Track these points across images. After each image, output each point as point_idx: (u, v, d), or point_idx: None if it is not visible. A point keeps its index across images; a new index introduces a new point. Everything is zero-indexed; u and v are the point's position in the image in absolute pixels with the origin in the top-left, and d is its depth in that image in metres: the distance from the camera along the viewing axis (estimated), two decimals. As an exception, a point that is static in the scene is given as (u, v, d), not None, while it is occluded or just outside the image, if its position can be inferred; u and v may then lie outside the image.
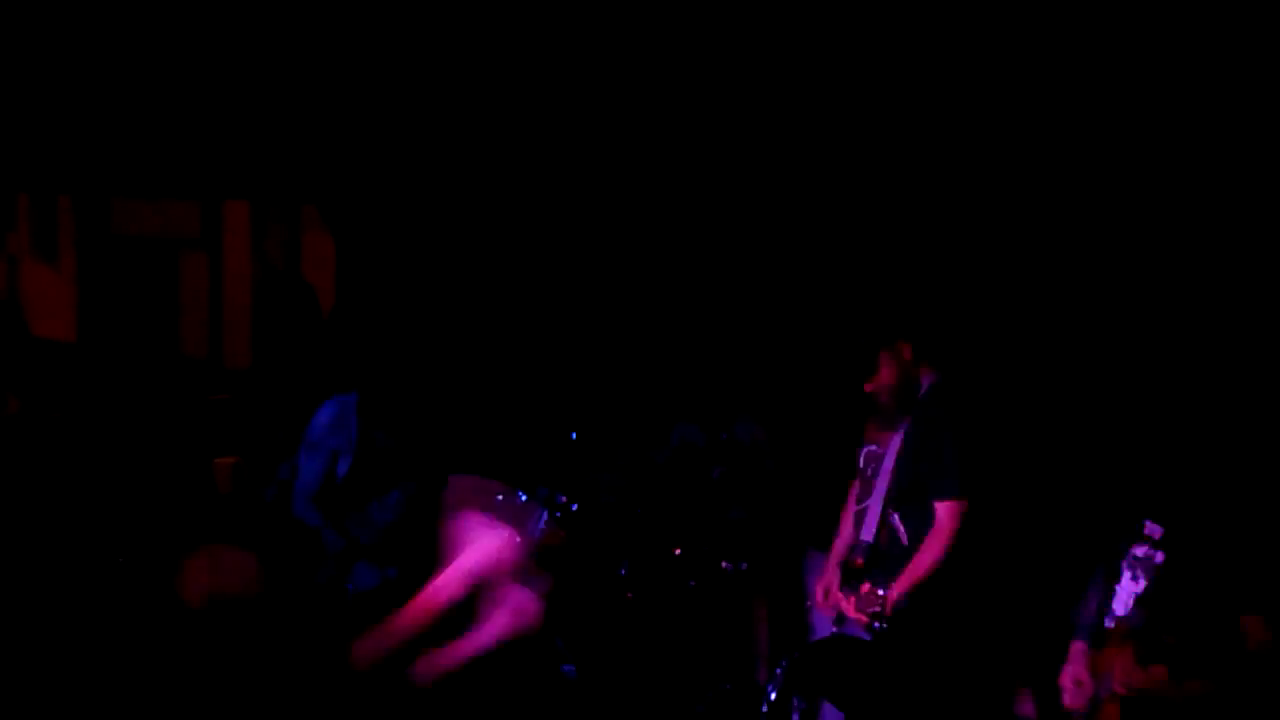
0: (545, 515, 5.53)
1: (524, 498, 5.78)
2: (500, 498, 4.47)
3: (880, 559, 4.45)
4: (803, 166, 6.31)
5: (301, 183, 7.77)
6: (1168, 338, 5.22)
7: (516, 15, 6.14)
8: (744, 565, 5.85)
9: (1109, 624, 3.78)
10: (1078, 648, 3.88)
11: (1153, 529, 3.74)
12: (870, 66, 5.83)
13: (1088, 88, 5.39)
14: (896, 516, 4.45)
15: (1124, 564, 3.77)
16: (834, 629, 4.49)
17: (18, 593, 6.38)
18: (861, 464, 4.62)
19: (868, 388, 4.48)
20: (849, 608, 4.39)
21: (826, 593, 4.53)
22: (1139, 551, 3.75)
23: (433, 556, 3.88)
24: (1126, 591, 3.76)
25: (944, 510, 4.32)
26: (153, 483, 7.07)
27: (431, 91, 6.65)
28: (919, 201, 6.01)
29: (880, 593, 4.29)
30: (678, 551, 5.91)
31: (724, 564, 5.85)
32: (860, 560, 4.47)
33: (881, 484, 4.48)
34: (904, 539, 4.42)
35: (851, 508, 4.64)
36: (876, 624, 4.32)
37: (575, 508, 5.91)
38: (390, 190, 7.46)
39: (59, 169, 7.37)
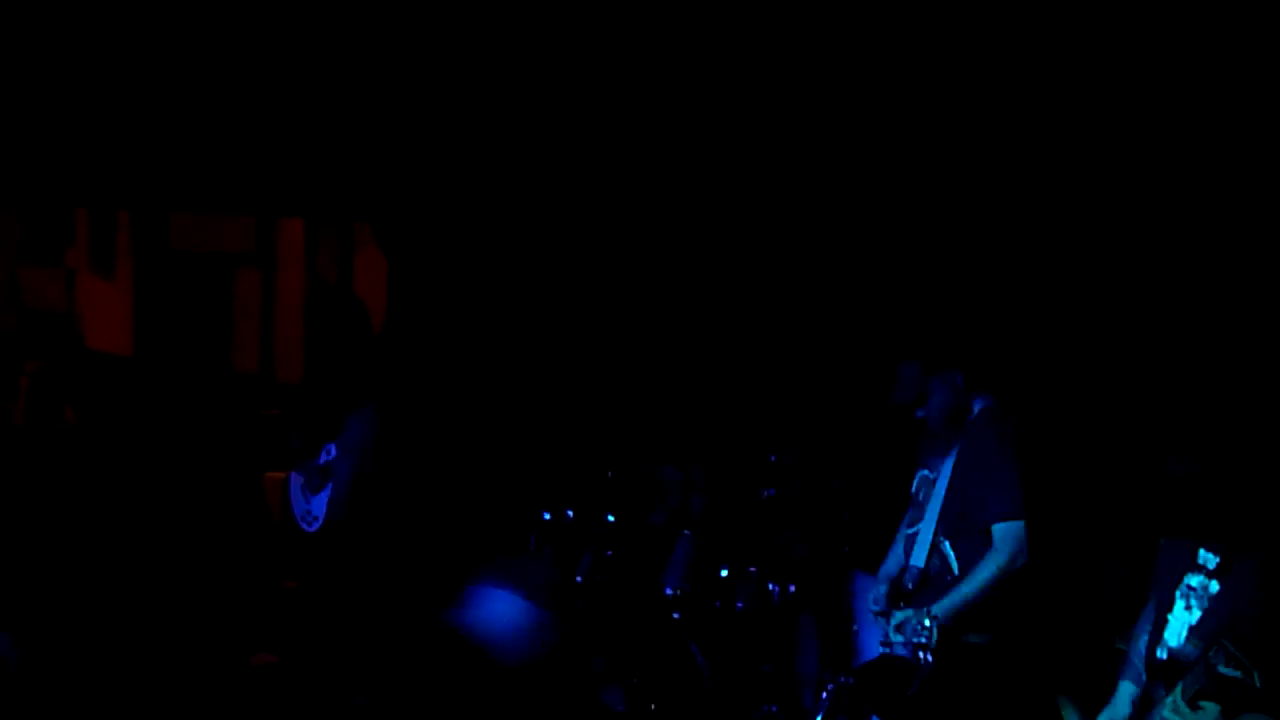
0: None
1: (570, 515, 5.79)
2: None
3: (930, 584, 4.41)
4: (857, 190, 6.30)
5: (355, 200, 7.83)
6: (1223, 361, 5.16)
7: (562, 38, 6.17)
8: (791, 588, 5.83)
9: (1162, 654, 3.72)
10: (1124, 689, 3.82)
11: (1207, 558, 3.69)
12: (920, 89, 5.81)
13: (1136, 113, 5.36)
14: (948, 544, 4.42)
15: (1178, 593, 3.72)
16: (882, 650, 4.45)
17: (72, 599, 6.45)
18: (914, 488, 4.60)
19: (919, 414, 4.47)
20: (895, 635, 4.36)
21: (876, 600, 4.50)
22: (1193, 581, 3.70)
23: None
24: (1180, 622, 3.70)
25: (1001, 532, 4.28)
26: (203, 495, 7.13)
27: (485, 112, 6.69)
28: (975, 228, 5.98)
29: (926, 623, 4.23)
30: (725, 573, 5.89)
31: (771, 586, 5.83)
32: (910, 585, 4.44)
33: (933, 509, 4.45)
34: (954, 567, 4.39)
35: (903, 531, 4.61)
36: (922, 655, 4.27)
37: (571, 515, 5.92)
38: (442, 208, 7.51)
39: (118, 185, 7.46)
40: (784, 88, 6.12)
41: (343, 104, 6.69)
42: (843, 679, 5.14)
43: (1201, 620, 3.63)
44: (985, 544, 4.30)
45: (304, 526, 5.71)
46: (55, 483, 6.90)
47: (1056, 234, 5.74)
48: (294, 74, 6.52)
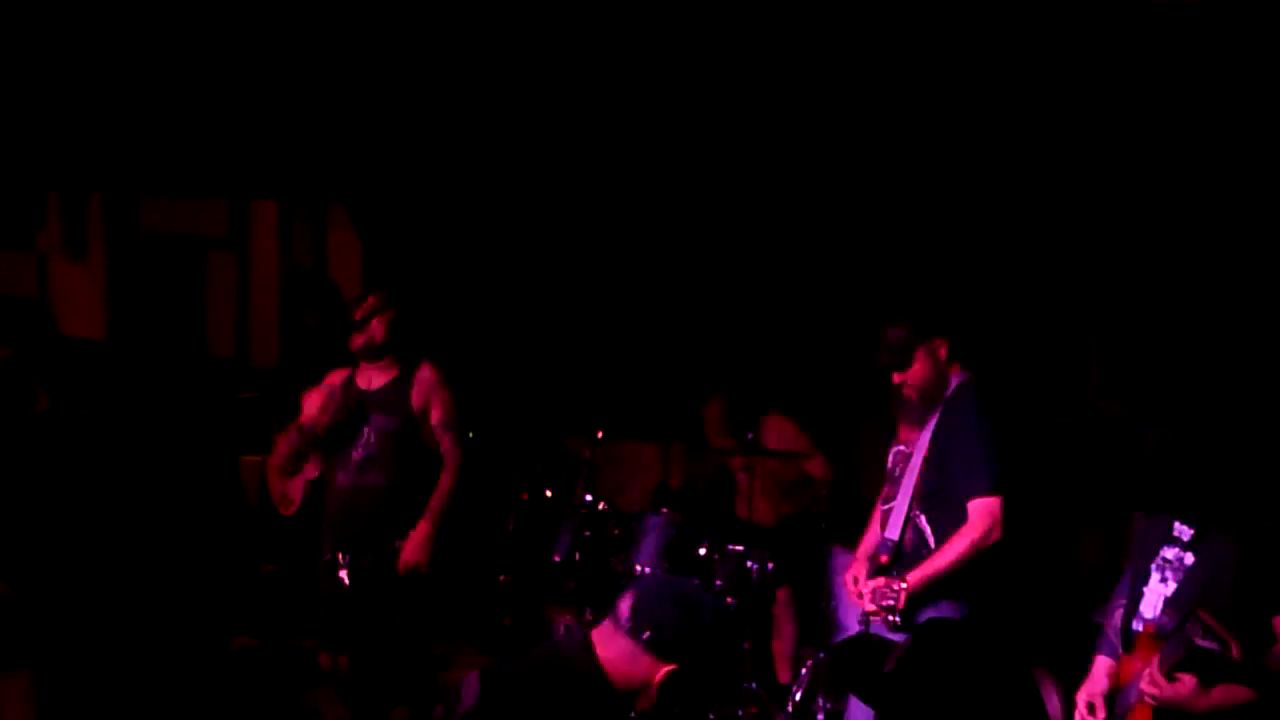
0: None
1: None
2: None
3: (905, 559, 4.43)
4: (850, 166, 6.31)
5: (329, 183, 7.80)
6: (1197, 339, 5.20)
7: (541, 18, 6.15)
8: (769, 565, 5.84)
9: (1137, 626, 3.74)
10: (1100, 663, 3.84)
11: (1182, 530, 3.71)
12: (910, 70, 5.82)
13: (1124, 90, 5.39)
14: (924, 519, 4.43)
15: (1153, 566, 3.74)
16: (859, 628, 4.47)
17: (47, 589, 6.42)
18: (890, 463, 4.61)
19: (896, 379, 4.46)
20: (866, 601, 4.38)
21: (855, 580, 4.52)
22: (1169, 553, 3.72)
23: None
24: (1155, 594, 3.72)
25: (976, 507, 4.29)
26: (180, 480, 7.11)
27: (458, 93, 6.67)
28: (959, 203, 6.01)
29: (896, 586, 4.27)
30: (702, 551, 5.90)
31: (749, 563, 5.84)
32: (885, 558, 4.45)
33: (908, 483, 4.46)
34: (930, 541, 4.40)
35: (879, 507, 4.62)
36: (891, 616, 4.32)
37: (549, 495, 5.92)
38: (416, 191, 7.49)
39: (88, 168, 7.41)
40: (760, 65, 6.12)
41: (316, 86, 6.66)
42: (820, 655, 5.16)
43: (1177, 592, 3.65)
44: (961, 518, 4.31)
45: (281, 509, 5.68)
46: (29, 469, 6.86)
47: (1040, 211, 5.77)
48: (267, 56, 6.48)
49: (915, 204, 6.17)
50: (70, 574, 6.54)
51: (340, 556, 5.19)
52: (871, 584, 4.37)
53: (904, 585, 4.25)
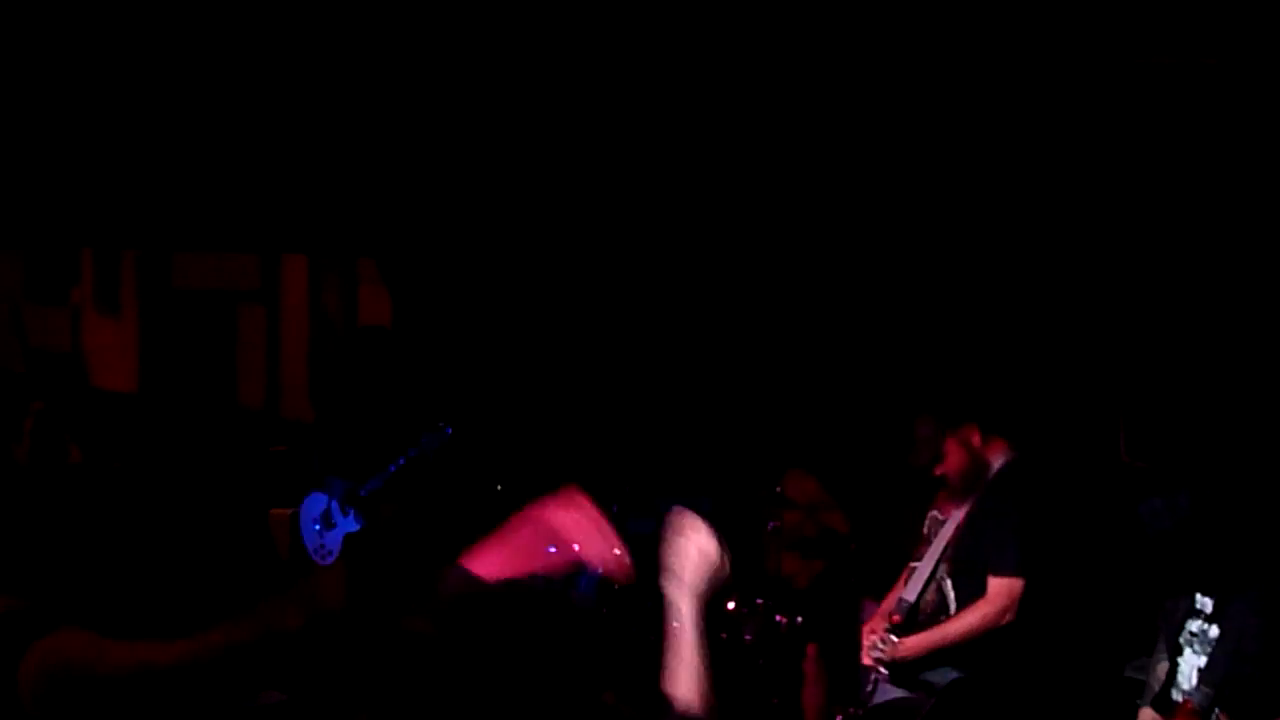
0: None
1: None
2: None
3: (919, 619, 4.42)
4: (872, 237, 6.32)
5: (358, 237, 7.86)
6: (1228, 421, 5.17)
7: (571, 68, 6.20)
8: (799, 620, 5.81)
9: (1177, 697, 3.76)
10: (1146, 715, 3.84)
11: (1204, 602, 3.71)
12: (942, 142, 5.84)
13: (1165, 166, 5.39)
14: (949, 583, 4.42)
15: (1182, 640, 3.75)
16: (868, 686, 4.46)
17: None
18: (926, 529, 4.61)
19: (937, 472, 4.47)
20: (865, 654, 4.39)
21: (871, 633, 4.51)
22: (1193, 626, 3.73)
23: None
24: (1189, 665, 3.73)
25: (996, 585, 4.29)
26: (210, 533, 7.13)
27: (486, 148, 6.72)
28: (987, 281, 6.00)
29: (894, 639, 4.29)
30: (731, 605, 5.88)
31: (779, 618, 5.81)
32: (898, 618, 4.45)
33: (936, 548, 4.46)
34: (951, 606, 4.39)
35: (908, 566, 4.62)
36: (881, 669, 4.33)
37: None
38: (446, 244, 7.53)
39: (122, 225, 7.49)
40: (797, 125, 6.15)
41: (345, 141, 6.73)
42: (851, 711, 5.13)
43: (1208, 665, 3.66)
44: (983, 590, 4.30)
45: (317, 560, 5.69)
46: (61, 521, 6.90)
47: (1062, 283, 5.76)
48: (296, 112, 6.56)
49: (943, 278, 6.18)
50: (101, 627, 6.55)
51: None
52: (871, 633, 4.37)
53: (896, 641, 4.26)
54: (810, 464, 6.33)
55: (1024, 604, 4.27)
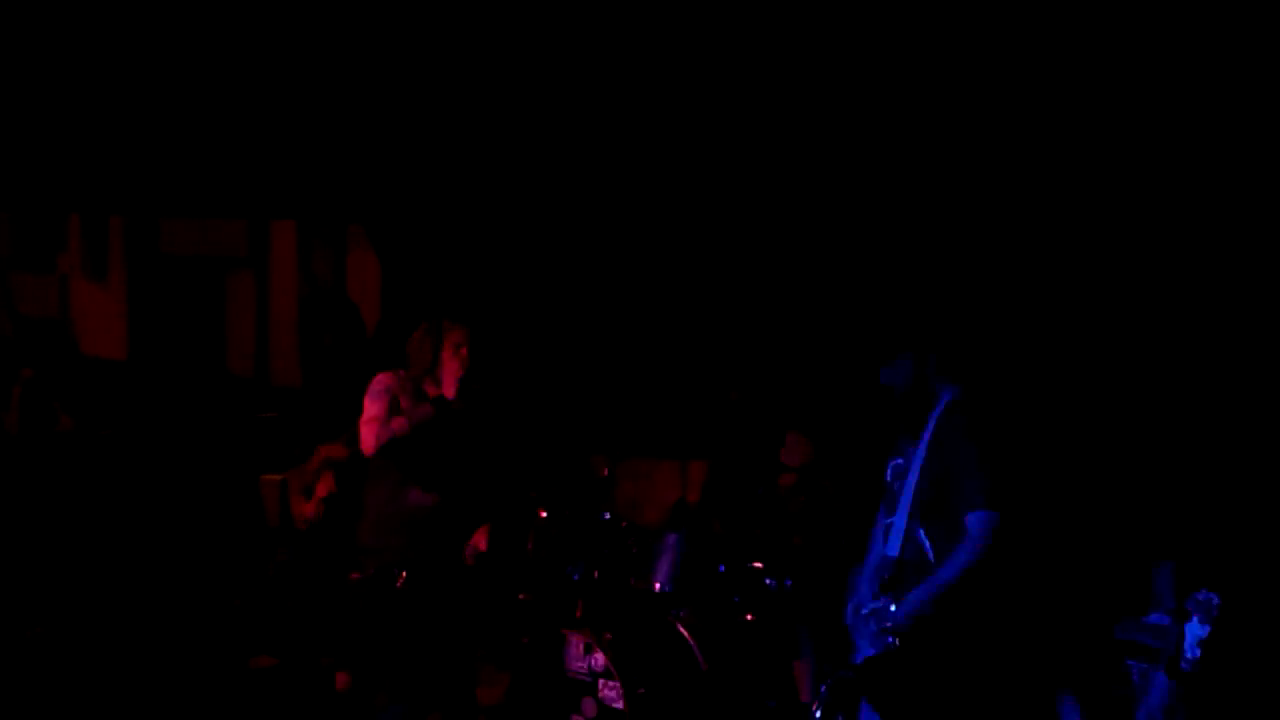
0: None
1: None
2: None
3: (906, 574, 4.42)
4: (854, 177, 6.32)
5: (347, 203, 7.84)
6: (1207, 360, 5.19)
7: (561, 38, 6.19)
8: (788, 582, 5.85)
9: (1185, 667, 3.82)
10: (1160, 679, 3.93)
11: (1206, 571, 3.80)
12: (906, 80, 5.84)
13: (1121, 99, 5.39)
14: (922, 532, 4.42)
15: (1189, 606, 3.80)
16: (872, 650, 4.47)
17: (67, 603, 6.45)
18: (889, 477, 4.60)
19: (883, 379, 4.46)
20: (868, 618, 4.40)
21: (857, 610, 4.53)
22: (1200, 595, 3.78)
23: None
24: (1192, 635, 3.79)
25: (974, 522, 4.29)
26: (200, 499, 7.14)
27: (476, 113, 6.70)
28: (955, 217, 6.01)
29: (892, 608, 4.29)
30: (722, 569, 5.91)
31: (768, 580, 5.84)
32: (887, 576, 4.46)
33: (906, 498, 4.45)
34: (930, 555, 4.40)
35: (881, 521, 4.61)
36: (889, 639, 4.33)
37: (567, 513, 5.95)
38: (435, 210, 7.52)
39: (109, 191, 7.47)
40: (769, 85, 6.15)
41: (334, 107, 6.70)
42: (841, 673, 5.16)
43: (1212, 635, 3.72)
44: (960, 531, 4.31)
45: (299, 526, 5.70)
46: (51, 488, 6.91)
47: (1042, 231, 5.76)
48: (285, 77, 6.53)
49: (925, 225, 6.19)
50: (91, 591, 6.58)
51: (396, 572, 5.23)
52: (872, 607, 4.38)
53: (894, 609, 4.29)
54: (806, 427, 6.34)
55: (1001, 541, 4.27)
